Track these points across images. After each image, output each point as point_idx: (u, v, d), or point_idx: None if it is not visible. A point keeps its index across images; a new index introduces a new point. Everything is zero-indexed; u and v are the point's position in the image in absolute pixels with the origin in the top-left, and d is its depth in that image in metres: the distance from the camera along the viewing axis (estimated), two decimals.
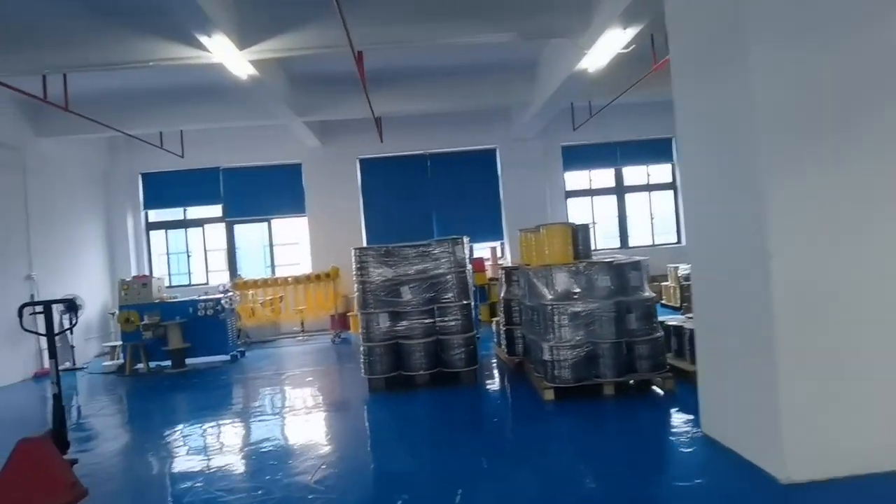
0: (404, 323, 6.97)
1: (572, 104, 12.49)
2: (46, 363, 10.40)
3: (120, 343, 10.47)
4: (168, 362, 10.00)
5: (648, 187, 14.81)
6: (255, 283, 11.38)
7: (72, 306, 10.59)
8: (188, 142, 12.83)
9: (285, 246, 14.28)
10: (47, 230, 11.14)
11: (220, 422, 6.56)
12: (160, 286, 10.55)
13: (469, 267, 7.29)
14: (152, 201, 13.82)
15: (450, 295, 6.94)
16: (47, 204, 11.26)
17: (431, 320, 6.97)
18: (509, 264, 10.33)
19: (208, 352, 10.21)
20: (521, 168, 13.91)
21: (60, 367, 10.66)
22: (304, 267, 13.91)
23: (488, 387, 7.07)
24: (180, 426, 6.48)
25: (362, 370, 7.12)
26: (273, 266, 14.16)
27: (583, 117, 12.66)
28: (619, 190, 14.75)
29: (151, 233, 13.98)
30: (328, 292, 11.88)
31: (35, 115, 10.84)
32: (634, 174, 14.82)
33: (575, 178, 14.64)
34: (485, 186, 14.16)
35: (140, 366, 9.91)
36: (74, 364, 10.95)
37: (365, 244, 13.88)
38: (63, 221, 11.70)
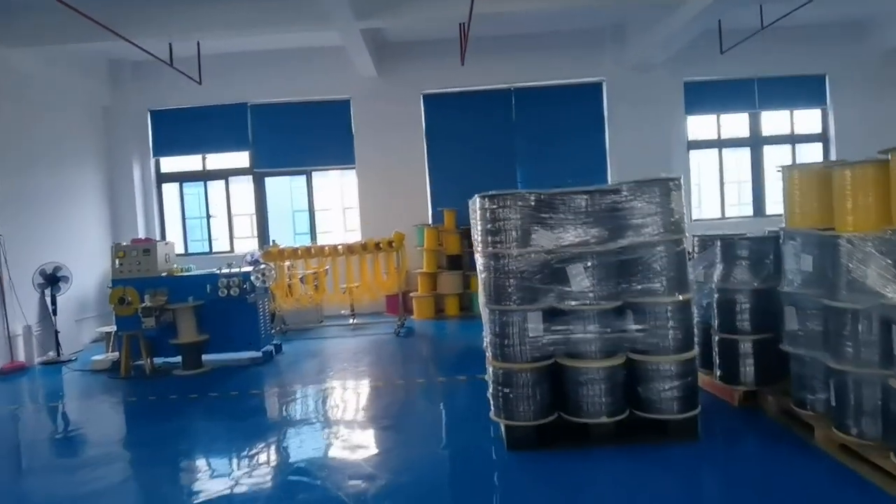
0: (570, 330, 4.00)
1: (719, 22, 9.24)
2: (20, 353, 7.69)
3: (113, 329, 7.74)
4: (178, 359, 7.25)
5: (792, 139, 11.50)
6: (293, 253, 8.54)
7: (52, 278, 7.90)
8: (208, 72, 9.84)
9: (327, 207, 11.38)
10: (23, 177, 8.35)
11: (254, 486, 3.73)
12: (168, 254, 7.73)
13: (684, 234, 4.17)
14: (164, 146, 10.96)
15: (656, 283, 3.93)
16: (24, 142, 8.44)
17: (620, 328, 3.99)
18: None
19: (232, 345, 7.41)
20: (636, 107, 10.68)
21: (40, 359, 7.99)
22: (350, 233, 11.03)
23: (721, 448, 4.03)
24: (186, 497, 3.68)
25: (492, 408, 4.21)
26: (313, 231, 11.28)
27: (730, 41, 9.42)
28: (755, 141, 11.47)
29: (164, 186, 11.16)
30: (388, 266, 8.99)
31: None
32: (775, 120, 11.50)
33: (699, 124, 11.39)
34: (585, 131, 10.99)
35: (143, 363, 7.17)
36: (59, 355, 8.26)
37: (430, 203, 10.91)
38: (49, 168, 8.89)
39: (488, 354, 4.29)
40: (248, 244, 11.08)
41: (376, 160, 10.81)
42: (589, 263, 3.95)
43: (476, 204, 4.38)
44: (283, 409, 5.84)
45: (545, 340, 4.01)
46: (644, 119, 10.64)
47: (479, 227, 4.30)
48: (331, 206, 11.47)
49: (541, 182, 11.39)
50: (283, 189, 11.24)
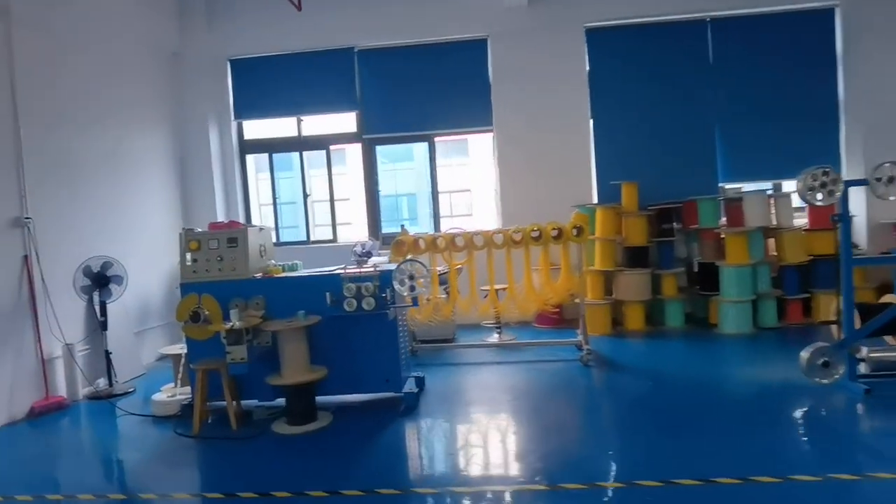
0: None
1: None
2: (59, 384, 5.35)
3: (183, 351, 5.30)
4: (278, 401, 4.72)
5: None
6: (433, 245, 5.82)
7: (100, 278, 5.53)
8: (305, 7, 7.37)
9: (453, 181, 8.69)
10: (59, 142, 6.01)
11: None
12: (264, 245, 5.19)
13: None
14: (247, 106, 8.52)
15: None
16: (63, 96, 6.11)
17: None
18: None
19: (361, 384, 4.81)
20: (891, 41, 7.50)
21: (87, 391, 5.51)
22: (481, 219, 8.31)
23: None
24: None
25: None
26: (436, 216, 8.62)
27: None
28: None
29: (247, 158, 8.75)
30: (561, 262, 6.18)
31: None
32: None
33: None
34: (808, 77, 7.79)
35: (225, 406, 4.66)
36: (111, 384, 5.90)
37: (594, 176, 8.04)
38: (97, 132, 6.55)
39: None
40: (353, 232, 8.57)
41: (521, 119, 8.02)
42: None
43: None
44: None
45: None
46: None
47: None
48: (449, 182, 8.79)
49: (748, 144, 7.77)
50: (407, 157, 8.62)
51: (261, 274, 4.98)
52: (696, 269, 7.55)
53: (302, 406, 4.49)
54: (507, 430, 4.29)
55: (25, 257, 5.42)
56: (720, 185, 7.86)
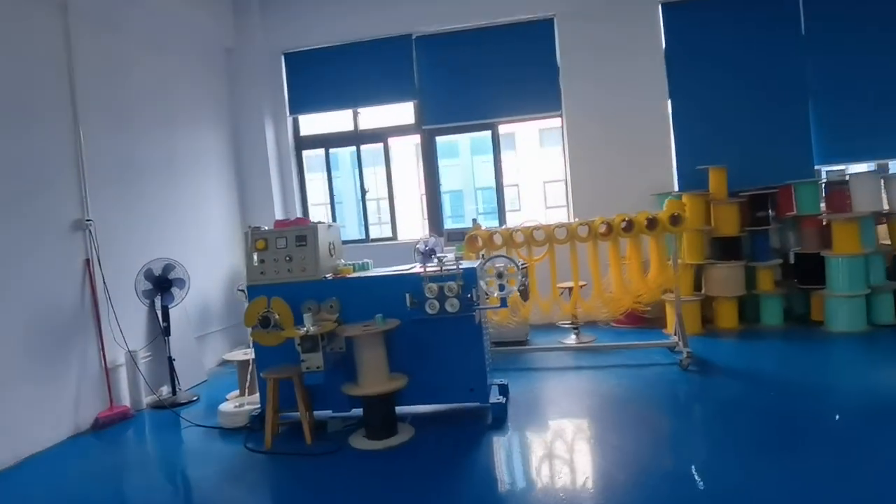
0: None
1: None
2: (122, 393, 5.11)
3: (250, 356, 4.99)
4: (354, 411, 4.34)
5: None
6: (510, 239, 5.32)
7: (162, 281, 5.25)
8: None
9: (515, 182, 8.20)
10: (119, 142, 5.79)
11: None
12: (334, 243, 4.82)
13: None
14: (303, 100, 8.21)
15: None
16: (120, 95, 5.89)
17: None
18: None
19: (443, 392, 4.38)
20: None
21: (150, 399, 5.19)
22: (530, 213, 7.79)
23: None
24: None
25: None
26: (501, 210, 8.15)
27: None
28: None
29: (304, 154, 8.45)
30: (652, 256, 5.62)
31: None
32: None
33: None
34: None
35: (297, 416, 4.30)
36: (175, 392, 5.65)
37: (674, 161, 7.42)
38: (153, 130, 6.32)
39: None
40: (406, 230, 8.18)
41: (592, 103, 7.46)
42: None
43: None
44: None
45: None
46: None
47: None
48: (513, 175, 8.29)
49: (846, 121, 6.87)
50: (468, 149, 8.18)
51: (331, 274, 4.60)
52: (791, 260, 6.86)
53: (382, 418, 4.09)
54: (612, 449, 3.78)
55: (87, 261, 5.19)
56: (815, 167, 7.14)
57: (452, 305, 4.03)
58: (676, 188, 7.32)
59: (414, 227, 9.19)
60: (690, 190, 6.93)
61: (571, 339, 6.58)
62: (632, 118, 7.36)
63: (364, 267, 4.80)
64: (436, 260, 5.25)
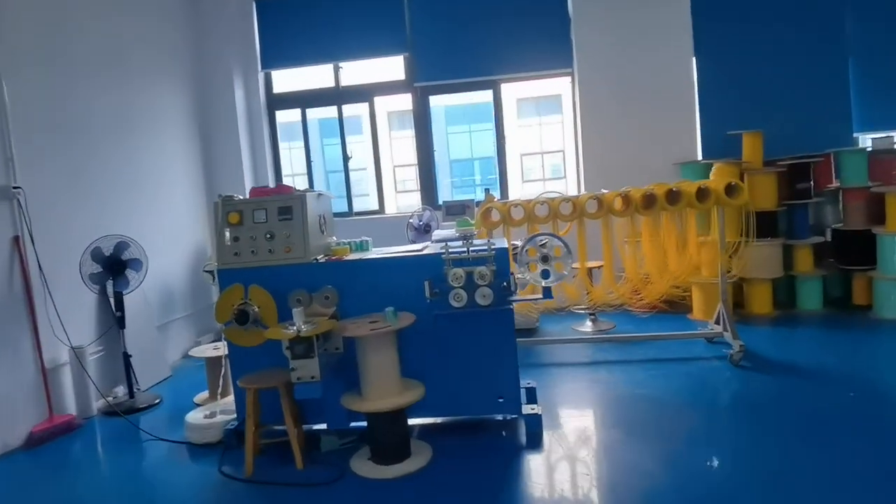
0: None
1: None
2: (66, 400, 4.17)
3: (222, 351, 4.10)
4: (351, 425, 3.50)
5: None
6: (532, 213, 4.46)
7: (114, 263, 4.30)
8: None
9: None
10: (53, 93, 4.72)
11: None
12: (325, 217, 3.91)
13: None
14: (277, 53, 7.15)
15: None
16: (57, 36, 4.80)
17: None
18: None
19: (466, 403, 3.56)
20: None
21: (101, 404, 4.30)
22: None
23: None
24: None
25: None
26: (503, 181, 7.28)
27: None
28: None
29: (278, 115, 7.41)
30: (684, 233, 4.83)
31: None
32: None
33: None
34: None
35: (281, 431, 3.44)
36: (132, 394, 4.71)
37: (698, 126, 6.65)
38: (101, 85, 5.26)
39: None
40: (403, 200, 7.28)
41: (608, 59, 6.61)
42: None
43: None
44: None
45: None
46: None
47: None
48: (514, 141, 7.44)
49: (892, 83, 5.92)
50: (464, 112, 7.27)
51: (323, 256, 3.71)
52: (829, 237, 6.21)
53: (393, 439, 3.26)
54: (686, 474, 3.03)
55: (16, 238, 4.18)
56: (854, 134, 6.46)
57: (485, 297, 3.18)
58: (700, 156, 6.57)
59: (390, 198, 8.23)
60: (716, 158, 6.19)
61: (587, 327, 5.83)
62: (651, 76, 6.53)
63: (363, 247, 3.91)
64: (414, 238, 4.45)
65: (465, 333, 3.44)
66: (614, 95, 6.62)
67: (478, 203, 6.24)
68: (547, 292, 3.32)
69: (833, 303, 6.02)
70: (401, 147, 10.70)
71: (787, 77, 6.42)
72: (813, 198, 5.98)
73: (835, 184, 6.12)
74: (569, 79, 6.86)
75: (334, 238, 4.01)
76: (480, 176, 12.34)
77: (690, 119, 6.60)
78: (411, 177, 7.62)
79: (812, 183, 5.99)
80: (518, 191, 12.71)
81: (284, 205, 3.60)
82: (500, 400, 3.53)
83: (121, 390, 4.78)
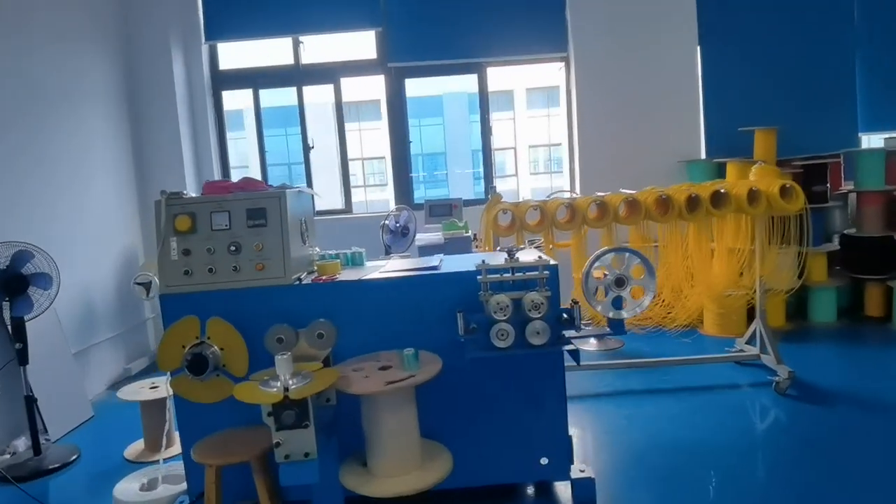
0: None
1: None
2: None
3: (163, 393, 3.12)
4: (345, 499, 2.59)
5: None
6: (553, 216, 3.67)
7: (14, 280, 3.22)
8: None
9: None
10: None
11: None
12: (307, 222, 2.98)
13: None
14: (224, 23, 6.07)
15: None
16: None
17: None
18: None
19: (489, 464, 2.74)
20: None
21: None
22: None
23: None
24: None
25: None
26: (489, 175, 6.49)
27: None
28: None
29: (225, 96, 6.33)
30: (720, 240, 4.17)
31: None
32: None
33: None
34: None
35: None
36: (39, 450, 3.60)
37: (702, 122, 6.07)
38: (13, 58, 4.10)
39: None
40: (373, 197, 6.36)
41: (606, 45, 5.93)
42: None
43: None
44: None
45: None
46: None
47: None
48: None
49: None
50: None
51: (306, 274, 2.80)
52: (836, 244, 5.77)
53: None
54: None
55: None
56: (859, 134, 6.06)
57: (539, 333, 2.35)
58: (703, 154, 6.00)
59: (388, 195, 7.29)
60: (722, 156, 5.63)
61: (591, 345, 5.13)
62: (654, 68, 5.92)
63: (356, 260, 3.01)
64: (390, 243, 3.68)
65: (503, 378, 2.61)
66: (611, 84, 5.96)
67: (465, 203, 5.47)
68: (618, 327, 2.54)
69: (843, 314, 5.57)
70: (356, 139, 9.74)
71: (800, 70, 5.94)
72: (829, 202, 5.49)
73: (844, 186, 5.68)
74: (562, 64, 6.14)
75: (317, 249, 3.09)
76: (447, 171, 11.47)
77: (693, 112, 6.03)
78: (378, 171, 6.72)
79: (829, 185, 5.50)
80: (528, 185, 12.13)
81: (255, 206, 2.65)
82: (544, 461, 2.72)
83: (21, 444, 3.68)
